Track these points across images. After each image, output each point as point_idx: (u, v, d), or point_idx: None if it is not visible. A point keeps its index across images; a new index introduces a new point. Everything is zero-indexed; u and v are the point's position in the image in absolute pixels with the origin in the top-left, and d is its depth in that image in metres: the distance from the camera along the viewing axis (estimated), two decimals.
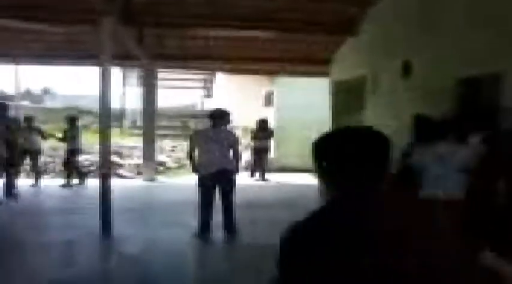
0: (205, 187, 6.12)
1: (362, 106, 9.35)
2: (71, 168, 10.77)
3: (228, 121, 6.45)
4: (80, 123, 12.13)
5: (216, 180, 6.11)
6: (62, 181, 10.80)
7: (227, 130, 6.44)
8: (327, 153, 1.43)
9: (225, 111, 6.39)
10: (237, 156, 6.43)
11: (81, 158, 13.66)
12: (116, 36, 7.57)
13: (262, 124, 12.62)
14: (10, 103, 13.21)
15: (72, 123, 10.80)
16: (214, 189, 6.17)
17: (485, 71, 5.89)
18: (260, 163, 12.62)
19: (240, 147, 6.92)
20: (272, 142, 13.64)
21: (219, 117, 6.19)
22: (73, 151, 10.67)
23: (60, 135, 10.73)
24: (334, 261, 1.22)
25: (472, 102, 6.31)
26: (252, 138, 12.87)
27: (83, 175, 10.97)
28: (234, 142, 6.28)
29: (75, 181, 10.74)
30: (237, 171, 6.49)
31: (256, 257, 5.24)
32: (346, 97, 10.43)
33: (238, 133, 16.82)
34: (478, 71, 6.01)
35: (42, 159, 12.16)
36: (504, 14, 5.51)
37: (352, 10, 8.99)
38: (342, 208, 1.33)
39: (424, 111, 6.03)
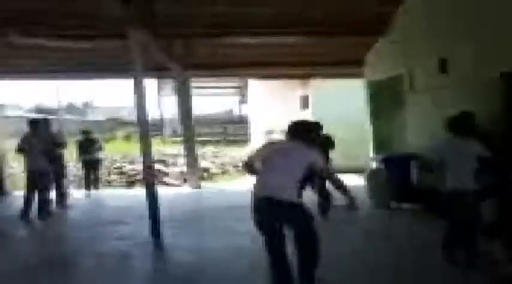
0: None
1: (400, 105, 9.26)
2: (89, 178, 11.13)
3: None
4: (122, 133, 12.43)
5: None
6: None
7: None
8: None
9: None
10: None
11: (127, 168, 14.07)
12: (147, 48, 7.83)
13: None
14: (54, 117, 13.66)
15: (85, 136, 11.15)
16: None
17: None
18: None
19: None
20: None
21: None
22: (88, 163, 11.03)
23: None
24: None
25: None
26: None
27: (97, 187, 11.31)
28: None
29: (94, 191, 11.09)
30: None
31: None
32: (383, 96, 10.35)
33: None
34: None
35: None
36: None
37: (383, 9, 8.92)
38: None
39: (466, 107, 5.95)
